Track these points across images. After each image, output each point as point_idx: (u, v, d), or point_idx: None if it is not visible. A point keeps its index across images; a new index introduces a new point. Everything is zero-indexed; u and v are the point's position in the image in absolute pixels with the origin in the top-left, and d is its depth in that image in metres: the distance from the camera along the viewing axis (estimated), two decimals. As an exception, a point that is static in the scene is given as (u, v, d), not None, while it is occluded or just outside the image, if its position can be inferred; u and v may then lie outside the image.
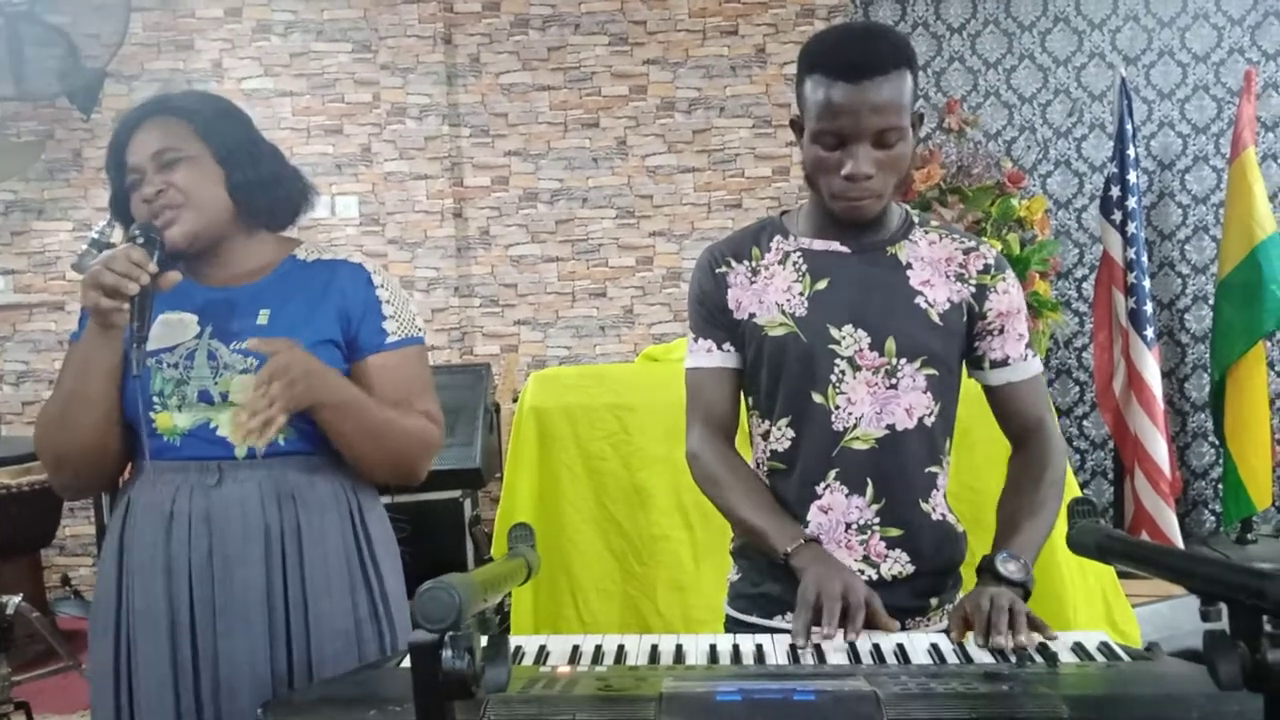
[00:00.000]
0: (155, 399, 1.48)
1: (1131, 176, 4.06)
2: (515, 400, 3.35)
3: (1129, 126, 4.08)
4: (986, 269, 1.51)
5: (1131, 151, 4.07)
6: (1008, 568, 1.37)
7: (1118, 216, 4.09)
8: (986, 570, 1.40)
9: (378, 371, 1.55)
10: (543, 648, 1.27)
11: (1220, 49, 4.53)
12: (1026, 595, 1.36)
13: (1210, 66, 4.54)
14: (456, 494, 3.78)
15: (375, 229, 4.67)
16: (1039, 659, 1.19)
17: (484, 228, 4.72)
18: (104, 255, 1.40)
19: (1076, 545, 1.21)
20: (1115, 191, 4.11)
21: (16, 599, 2.92)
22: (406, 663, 1.21)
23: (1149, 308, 4.04)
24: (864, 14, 4.63)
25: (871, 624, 1.32)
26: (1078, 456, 4.62)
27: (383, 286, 1.58)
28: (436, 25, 4.61)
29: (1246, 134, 4.04)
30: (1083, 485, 4.56)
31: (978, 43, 4.63)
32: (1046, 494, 1.49)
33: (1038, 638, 1.26)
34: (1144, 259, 4.07)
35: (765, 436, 1.54)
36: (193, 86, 4.47)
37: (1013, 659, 1.21)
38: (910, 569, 1.50)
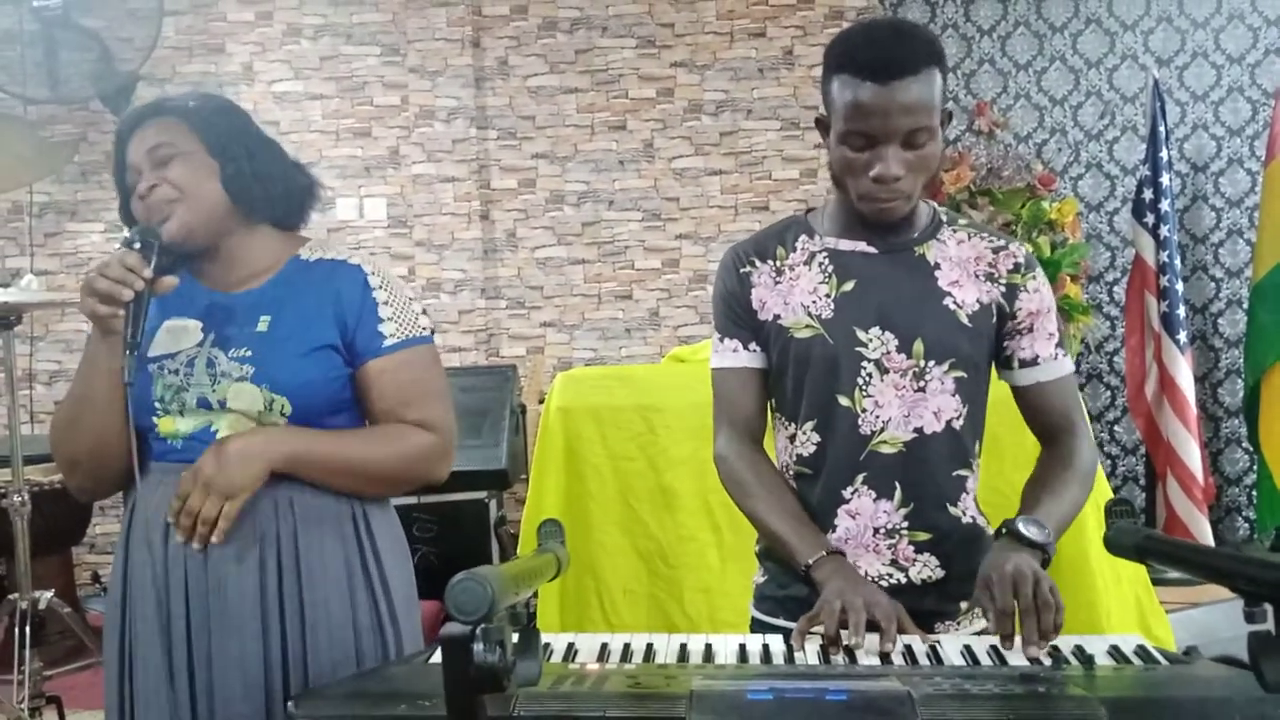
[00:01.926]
0: (157, 405, 1.49)
1: (1164, 179, 4.01)
2: (541, 402, 3.35)
3: (1162, 129, 4.04)
4: (1017, 268, 1.49)
5: (1164, 154, 4.03)
6: (1030, 530, 1.35)
7: (1150, 219, 4.05)
8: (1008, 532, 1.37)
9: (377, 377, 1.52)
10: (571, 645, 1.27)
11: (1255, 50, 4.47)
12: (1046, 561, 1.34)
13: (1245, 68, 4.48)
14: (482, 495, 3.79)
15: (403, 231, 4.70)
16: (1074, 661, 1.17)
17: (511, 230, 4.73)
18: (99, 262, 1.41)
19: (1114, 546, 1.18)
20: (1148, 194, 4.06)
21: (48, 595, 2.96)
22: (437, 657, 1.20)
23: (1181, 312, 4.00)
24: (894, 15, 4.60)
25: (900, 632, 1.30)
26: (1109, 462, 4.57)
27: (380, 288, 1.55)
28: (465, 29, 4.63)
29: (1282, 136, 3.99)
30: (1115, 490, 4.50)
31: (1008, 44, 4.60)
32: (1071, 481, 1.46)
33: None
34: (1176, 262, 4.02)
35: (791, 440, 1.53)
36: (223, 90, 4.51)
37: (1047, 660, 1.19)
38: (940, 573, 1.48)
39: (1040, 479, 1.48)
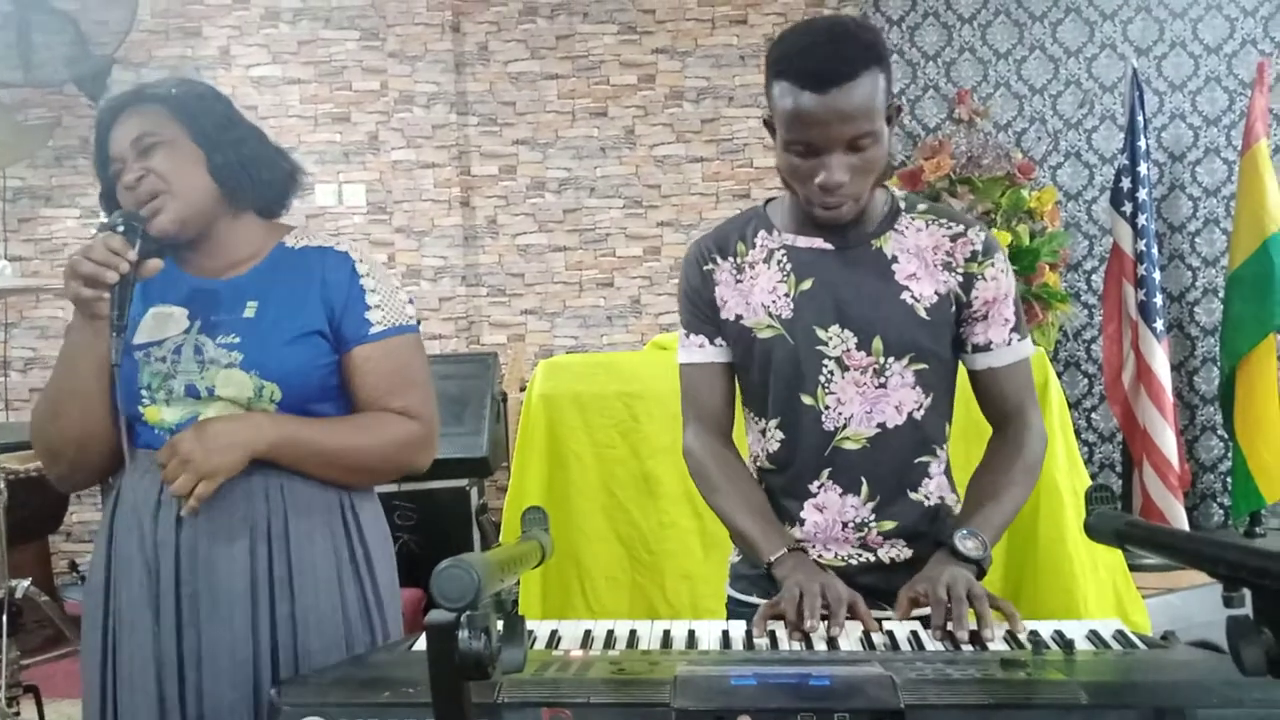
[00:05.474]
0: (143, 393, 1.47)
1: (1142, 168, 4.04)
2: (522, 389, 3.34)
3: (1140, 118, 4.06)
4: (974, 256, 1.48)
5: (1142, 143, 4.05)
6: (966, 545, 1.37)
7: (1128, 208, 4.07)
8: (944, 546, 1.40)
9: (362, 364, 1.52)
10: (554, 632, 1.27)
11: (1233, 40, 4.50)
12: (981, 574, 1.37)
13: (1223, 58, 4.51)
14: (463, 483, 3.78)
15: (382, 217, 4.67)
16: (1054, 646, 1.19)
17: (491, 217, 4.71)
18: (83, 245, 1.38)
19: (1094, 532, 1.19)
20: (1126, 183, 4.08)
21: (25, 583, 2.94)
22: (420, 645, 1.20)
23: (1159, 300, 4.03)
24: (874, 5, 4.61)
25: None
26: (1086, 449, 4.60)
27: (368, 275, 1.55)
28: (444, 13, 4.60)
29: (1259, 126, 4.01)
30: (1091, 477, 4.54)
31: (988, 33, 4.61)
32: (1015, 478, 1.48)
33: (1004, 627, 1.25)
34: (1154, 251, 4.05)
35: (762, 434, 1.55)
36: (200, 74, 4.47)
37: (972, 647, 1.21)
38: (908, 552, 1.50)
39: (985, 477, 1.50)
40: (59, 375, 1.47)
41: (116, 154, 1.49)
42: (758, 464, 1.57)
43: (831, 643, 1.25)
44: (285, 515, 1.48)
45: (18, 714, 2.78)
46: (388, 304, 1.55)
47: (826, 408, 1.47)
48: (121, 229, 1.41)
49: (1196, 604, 2.72)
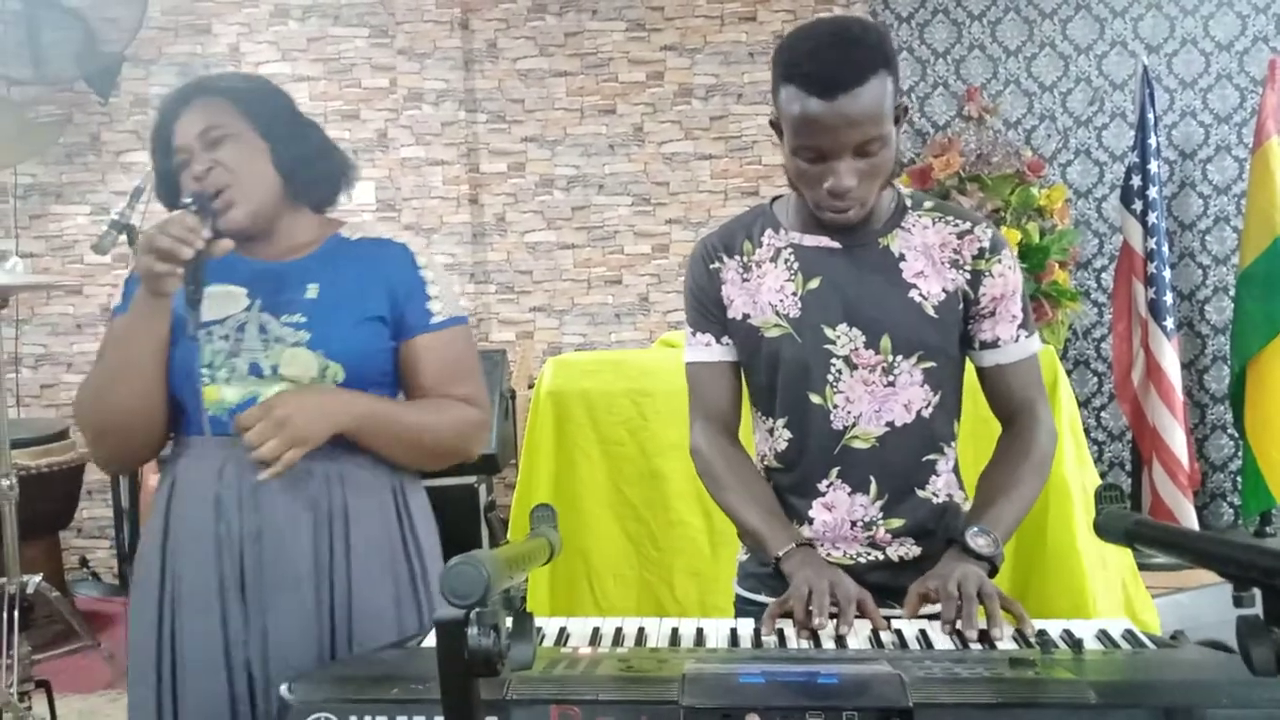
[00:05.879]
0: (204, 371, 1.48)
1: (1152, 166, 4.03)
2: (531, 386, 3.34)
3: (1150, 115, 4.05)
4: (981, 253, 1.48)
5: (1153, 141, 4.04)
6: (977, 542, 1.37)
7: (1138, 206, 4.06)
8: (955, 543, 1.40)
9: (425, 352, 1.56)
10: (563, 629, 1.28)
11: (1244, 37, 4.48)
12: (993, 571, 1.36)
13: (1234, 55, 4.49)
14: (472, 480, 3.79)
15: (391, 214, 4.67)
16: (1063, 645, 1.18)
17: (500, 214, 4.72)
18: (160, 221, 1.41)
19: (1104, 531, 1.19)
20: (1136, 181, 4.07)
21: (36, 579, 2.95)
22: (429, 642, 1.21)
23: (1169, 298, 4.01)
24: (883, 2, 4.60)
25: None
26: (1095, 447, 4.59)
27: (427, 267, 1.59)
28: (453, 10, 4.60)
29: (1270, 124, 3.99)
30: (1101, 476, 4.52)
31: (998, 30, 4.59)
32: (1025, 475, 1.47)
33: (1010, 629, 1.25)
34: (1164, 249, 4.04)
35: (770, 433, 1.55)
36: (210, 70, 4.47)
37: (981, 646, 1.21)
38: (916, 550, 1.50)
39: (995, 474, 1.50)
40: (112, 353, 1.49)
41: (182, 144, 1.52)
42: (765, 463, 1.57)
43: (840, 641, 1.25)
44: (345, 499, 1.50)
45: (29, 708, 2.79)
46: (445, 295, 1.59)
47: (835, 406, 1.47)
48: (195, 209, 1.44)
49: (1206, 603, 2.71)
